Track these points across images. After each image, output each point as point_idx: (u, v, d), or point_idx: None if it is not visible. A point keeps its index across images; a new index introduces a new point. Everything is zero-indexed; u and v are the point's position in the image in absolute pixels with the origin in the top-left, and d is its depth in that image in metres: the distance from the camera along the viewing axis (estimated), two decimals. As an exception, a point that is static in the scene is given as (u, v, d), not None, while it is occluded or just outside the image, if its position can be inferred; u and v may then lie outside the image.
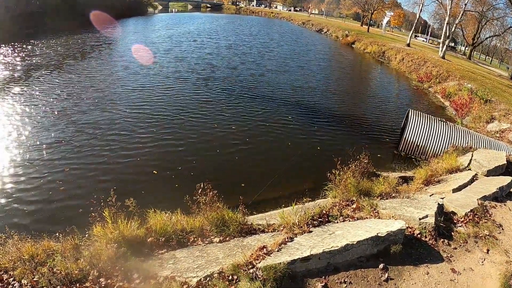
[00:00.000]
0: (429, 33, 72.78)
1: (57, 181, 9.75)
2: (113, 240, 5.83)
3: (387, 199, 8.19)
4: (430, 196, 8.86)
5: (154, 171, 10.68)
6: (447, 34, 37.75)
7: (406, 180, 11.04)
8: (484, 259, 6.33)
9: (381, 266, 5.60)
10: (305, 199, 8.09)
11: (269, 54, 33.13)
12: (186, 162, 11.32)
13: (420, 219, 6.64)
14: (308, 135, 14.52)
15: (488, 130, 16.64)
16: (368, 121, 17.48)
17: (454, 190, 9.14)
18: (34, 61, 21.75)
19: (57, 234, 6.34)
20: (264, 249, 5.49)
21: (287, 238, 5.85)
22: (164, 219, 6.69)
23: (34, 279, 5.13)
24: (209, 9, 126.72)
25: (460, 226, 7.23)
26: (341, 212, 7.03)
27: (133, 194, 8.65)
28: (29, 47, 25.35)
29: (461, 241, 6.67)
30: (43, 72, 19.35)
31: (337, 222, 6.64)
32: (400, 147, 13.72)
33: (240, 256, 5.34)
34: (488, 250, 6.52)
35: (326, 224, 6.53)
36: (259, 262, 5.17)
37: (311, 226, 6.41)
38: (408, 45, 42.69)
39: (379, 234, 5.67)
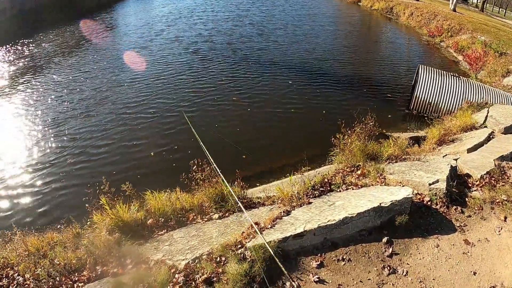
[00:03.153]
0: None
1: (58, 171, 9.47)
2: (112, 225, 5.73)
3: (396, 162, 7.57)
4: (443, 157, 8.25)
5: (151, 153, 10.19)
6: (459, -15, 35.85)
7: (418, 140, 10.42)
8: (501, 228, 5.73)
9: (384, 239, 5.06)
10: (305, 168, 7.58)
11: (268, 18, 31.64)
12: (184, 140, 10.74)
13: (430, 184, 6.02)
14: (312, 99, 13.77)
15: (505, 84, 15.62)
16: (377, 81, 16.57)
17: (469, 150, 8.48)
18: (48, 50, 21.03)
19: (59, 225, 6.47)
20: (256, 226, 4.94)
21: (284, 212, 5.34)
22: (163, 199, 6.43)
23: (36, 272, 5.04)
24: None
25: (475, 191, 6.60)
26: (344, 179, 6.43)
27: (133, 178, 8.65)
28: (29, 43, 24.50)
29: (476, 208, 6.06)
30: (43, 65, 18.49)
31: (340, 191, 6.09)
32: (411, 105, 12.94)
33: (232, 235, 4.84)
34: (505, 218, 5.91)
35: (328, 194, 5.99)
36: (249, 241, 4.65)
37: (311, 196, 5.90)
38: (417, -1, 40.65)
39: (382, 204, 5.10)
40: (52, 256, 5.33)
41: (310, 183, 6.16)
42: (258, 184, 8.56)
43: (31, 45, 21.63)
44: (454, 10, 33.71)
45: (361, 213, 4.91)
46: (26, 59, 18.37)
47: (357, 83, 15.94)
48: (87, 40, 23.80)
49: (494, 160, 7.61)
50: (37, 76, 16.07)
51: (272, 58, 18.89)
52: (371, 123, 8.14)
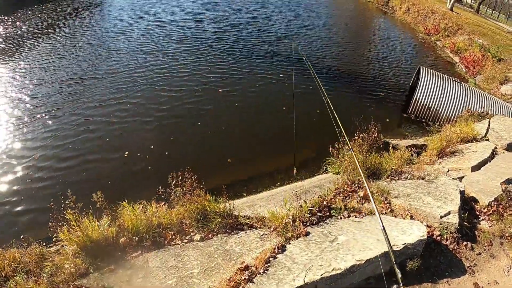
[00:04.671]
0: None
1: (25, 176, 8.25)
2: (81, 245, 4.96)
3: (398, 179, 6.91)
4: (446, 173, 7.66)
5: (125, 153, 9.05)
6: (457, -17, 35.18)
7: (417, 148, 9.80)
8: (510, 268, 5.20)
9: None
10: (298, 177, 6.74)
11: (260, 6, 30.53)
12: (162, 140, 9.72)
13: (441, 217, 5.36)
14: (305, 97, 12.90)
15: (503, 93, 15.14)
16: (372, 79, 15.78)
17: (474, 168, 7.91)
18: (23, 30, 19.46)
19: (22, 241, 5.57)
20: (247, 271, 4.19)
21: (278, 247, 4.58)
22: (138, 213, 5.57)
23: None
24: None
25: (483, 220, 6.05)
26: (345, 203, 5.71)
27: (104, 184, 7.84)
28: (16, 17, 22.91)
29: (486, 244, 5.50)
30: (32, 42, 17.20)
31: (341, 218, 5.36)
32: (410, 109, 12.29)
33: (217, 275, 4.06)
34: (514, 255, 5.35)
35: (327, 221, 5.25)
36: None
37: (308, 224, 5.15)
38: (414, -6, 39.91)
39: (394, 248, 4.37)
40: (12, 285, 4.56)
41: (308, 206, 5.43)
42: (245, 194, 7.78)
43: (7, 23, 20.22)
44: (451, 9, 33.14)
45: (370, 260, 4.20)
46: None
47: (352, 81, 15.15)
48: (65, 19, 22.40)
49: (500, 183, 7.07)
50: (3, 61, 14.64)
51: (263, 50, 17.89)
52: (375, 134, 7.45)
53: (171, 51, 16.09)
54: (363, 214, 5.44)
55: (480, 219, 6.07)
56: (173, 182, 5.82)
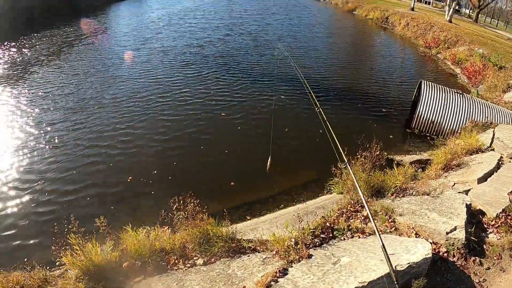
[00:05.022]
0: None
1: (29, 201, 8.32)
2: (82, 270, 4.96)
3: (403, 196, 6.86)
4: (452, 186, 7.57)
5: (128, 179, 9.09)
6: (454, -4, 35.57)
7: (422, 163, 9.73)
8: (520, 280, 5.05)
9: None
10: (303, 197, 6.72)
11: (261, 26, 31.32)
12: (165, 164, 9.77)
13: (447, 233, 5.28)
14: (307, 117, 12.93)
15: (506, 101, 15.05)
16: (374, 95, 15.85)
17: (480, 180, 7.79)
18: (28, 56, 20.11)
19: (26, 264, 5.64)
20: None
21: (279, 271, 4.54)
22: (141, 237, 5.55)
23: None
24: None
25: (491, 233, 5.92)
26: (348, 224, 5.66)
27: (108, 209, 7.85)
28: (33, 39, 23.72)
29: (495, 257, 5.38)
30: (37, 68, 17.70)
31: (344, 239, 5.30)
32: (413, 124, 12.25)
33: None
34: (524, 267, 5.22)
35: (330, 243, 5.20)
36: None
37: (311, 246, 5.11)
38: (412, 9, 40.36)
39: (398, 267, 4.31)
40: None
41: (310, 228, 5.40)
42: (248, 218, 7.72)
43: (12, 49, 20.75)
44: (450, 21, 33.43)
45: (373, 281, 4.13)
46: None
47: (354, 98, 15.20)
48: (70, 46, 22.98)
49: (508, 194, 6.97)
50: (7, 88, 15.01)
51: (264, 72, 18.14)
52: (377, 152, 7.43)
53: (173, 77, 16.36)
54: (367, 234, 5.37)
55: (488, 232, 5.96)
56: (175, 206, 5.85)
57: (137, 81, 15.86)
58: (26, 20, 30.90)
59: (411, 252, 4.58)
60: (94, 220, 5.45)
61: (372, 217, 4.29)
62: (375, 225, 3.97)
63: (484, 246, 5.54)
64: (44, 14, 33.68)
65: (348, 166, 5.03)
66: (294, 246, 5.03)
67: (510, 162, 9.04)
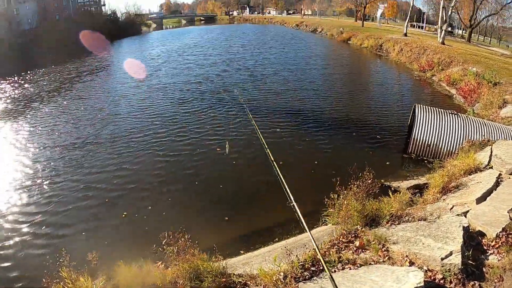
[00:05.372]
0: (425, 20, 71.00)
1: (26, 237, 8.55)
2: None
3: (399, 223, 6.71)
4: (450, 209, 7.41)
5: (123, 214, 9.26)
6: (444, 18, 36.13)
7: (420, 189, 9.60)
8: (526, 300, 4.81)
9: None
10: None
11: (258, 61, 32.09)
12: (160, 200, 9.94)
13: (442, 259, 5.11)
14: (302, 149, 13.00)
15: (503, 116, 14.99)
16: (371, 123, 15.88)
17: (478, 200, 7.61)
18: (30, 92, 20.86)
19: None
20: None
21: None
22: (134, 271, 5.61)
23: None
24: (203, 21, 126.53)
25: (492, 254, 5.69)
26: (340, 255, 5.52)
27: (101, 244, 7.89)
28: (24, 79, 24.50)
29: (496, 280, 5.11)
30: (37, 104, 18.39)
31: (335, 271, 5.17)
32: (410, 148, 12.18)
33: None
34: (529, 286, 4.98)
35: (320, 275, 5.08)
36: None
37: (300, 279, 5.01)
38: (405, 34, 40.99)
39: (387, 300, 4.16)
40: None
41: (300, 262, 5.29)
42: (242, 252, 7.68)
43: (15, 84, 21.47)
44: (442, 43, 33.85)
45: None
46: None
47: (350, 128, 15.19)
48: (71, 82, 23.84)
49: (508, 212, 6.76)
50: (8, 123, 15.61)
51: (260, 105, 18.38)
52: (369, 180, 7.35)
53: (170, 115, 16.73)
54: (358, 265, 5.24)
55: (488, 254, 5.75)
56: (164, 241, 5.88)
57: (134, 119, 16.29)
58: (30, 55, 32.06)
59: (402, 282, 4.43)
60: (87, 255, 5.64)
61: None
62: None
63: (484, 269, 5.32)
64: (50, 50, 35.00)
65: (295, 206, 5.02)
66: (282, 280, 4.93)
67: (509, 178, 8.85)
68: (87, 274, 5.39)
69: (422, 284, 4.43)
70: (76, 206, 9.68)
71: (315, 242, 4.91)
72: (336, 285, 3.95)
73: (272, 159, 6.63)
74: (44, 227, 8.81)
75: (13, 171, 11.56)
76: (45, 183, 10.82)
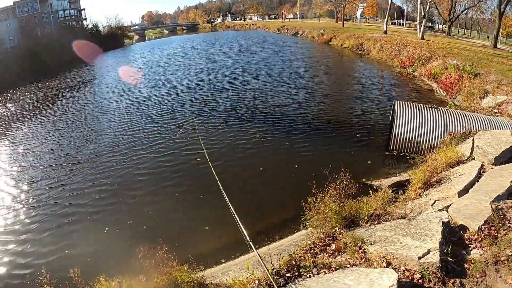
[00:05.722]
0: (405, 17, 71.79)
1: (8, 260, 8.49)
2: None
3: (378, 223, 6.48)
4: (432, 205, 7.21)
5: (105, 230, 9.16)
6: (422, 14, 36.44)
7: (402, 185, 9.42)
8: (511, 294, 4.58)
9: None
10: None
11: (239, 67, 31.94)
12: (140, 214, 9.81)
13: (419, 258, 4.87)
14: (282, 153, 12.79)
15: (484, 107, 15.00)
16: (353, 122, 15.70)
17: (461, 193, 7.44)
18: (11, 111, 20.58)
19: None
20: None
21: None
22: (113, 286, 5.77)
23: None
24: (185, 30, 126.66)
25: (474, 249, 5.47)
26: (315, 260, 5.28)
27: (85, 259, 8.05)
28: (6, 98, 24.24)
29: (478, 275, 4.89)
30: (19, 124, 18.29)
31: (310, 276, 4.95)
32: (391, 145, 12.01)
33: None
34: (513, 279, 4.75)
35: (296, 281, 4.89)
36: None
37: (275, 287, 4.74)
38: (385, 32, 41.25)
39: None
40: None
41: (274, 268, 5.07)
42: (223, 260, 7.61)
43: None
44: (422, 38, 34.09)
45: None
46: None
47: (331, 129, 15.01)
48: (52, 100, 23.73)
49: (490, 203, 6.56)
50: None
51: (240, 112, 18.19)
52: (345, 181, 7.13)
53: (150, 129, 16.41)
54: (333, 269, 5.01)
55: (470, 249, 5.52)
56: (139, 255, 5.85)
57: (115, 135, 15.97)
58: (12, 73, 31.80)
59: (375, 285, 4.21)
60: (68, 271, 5.73)
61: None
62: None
63: (466, 265, 5.08)
64: (32, 66, 34.82)
65: (252, 245, 4.82)
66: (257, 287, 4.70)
67: (492, 168, 8.71)
68: None
69: (396, 286, 4.19)
70: (57, 224, 9.61)
71: (264, 263, 4.65)
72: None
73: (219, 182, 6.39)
74: (27, 245, 8.82)
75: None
76: (27, 203, 10.78)
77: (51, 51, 45.05)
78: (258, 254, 4.63)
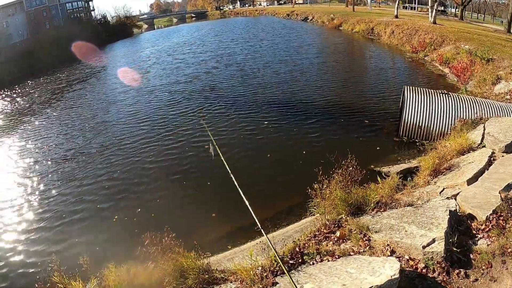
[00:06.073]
0: (417, 1, 70.26)
1: (21, 247, 8.74)
2: None
3: (384, 211, 6.42)
4: (440, 192, 7.12)
5: (114, 218, 9.36)
6: (435, -3, 35.58)
7: (410, 172, 9.31)
8: (516, 289, 4.51)
9: None
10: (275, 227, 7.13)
11: (249, 54, 31.56)
12: (148, 202, 9.95)
13: (424, 247, 4.81)
14: (291, 139, 12.72)
15: (497, 93, 14.64)
16: (363, 108, 15.49)
17: (470, 181, 7.32)
18: (21, 105, 20.82)
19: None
20: None
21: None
22: (122, 274, 5.77)
23: None
24: (194, 18, 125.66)
25: (481, 239, 5.39)
26: (318, 247, 5.27)
27: (93, 246, 8.26)
28: (27, 87, 24.42)
29: (484, 266, 4.82)
30: (28, 118, 18.51)
31: (313, 263, 4.97)
32: (400, 131, 11.85)
33: None
34: (520, 272, 4.66)
35: (299, 268, 4.93)
36: None
37: (278, 273, 4.83)
38: (396, 16, 40.40)
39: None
40: None
41: (275, 255, 5.08)
42: (229, 247, 7.71)
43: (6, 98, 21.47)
44: (434, 22, 33.29)
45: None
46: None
47: (340, 115, 14.83)
48: (61, 92, 23.90)
49: (499, 192, 6.45)
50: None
51: (249, 100, 18.11)
52: (351, 168, 7.04)
53: (158, 118, 16.44)
54: (336, 256, 5.00)
55: (477, 239, 5.44)
56: (146, 242, 5.93)
57: (123, 126, 16.00)
58: (22, 67, 32.08)
59: (377, 274, 4.17)
60: (78, 259, 5.83)
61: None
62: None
63: (471, 256, 5.02)
64: (42, 60, 35.07)
65: (263, 231, 4.77)
66: (260, 274, 4.80)
67: (503, 156, 8.53)
68: (79, 277, 5.59)
69: (397, 276, 4.15)
70: (68, 214, 9.84)
71: (273, 246, 4.67)
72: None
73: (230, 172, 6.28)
74: (38, 234, 9.07)
75: (7, 188, 11.66)
76: (39, 194, 11.02)
77: (58, 45, 45.22)
78: (268, 239, 4.58)
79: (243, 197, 6.23)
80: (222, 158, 6.58)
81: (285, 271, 4.03)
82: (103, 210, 9.81)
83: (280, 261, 4.45)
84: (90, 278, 5.82)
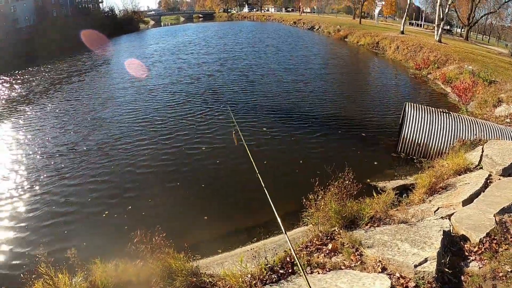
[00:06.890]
0: (423, 18, 70.70)
1: (12, 238, 8.67)
2: None
3: (378, 226, 6.39)
4: (435, 211, 7.10)
5: (104, 214, 9.31)
6: (441, 16, 35.68)
7: (406, 189, 9.30)
8: (505, 314, 4.48)
9: None
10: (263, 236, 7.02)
11: (253, 60, 31.48)
12: (140, 200, 9.91)
13: (416, 266, 4.78)
14: (288, 148, 12.73)
15: (497, 116, 14.69)
16: (363, 121, 15.54)
17: (465, 202, 7.31)
18: (18, 93, 20.65)
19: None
20: None
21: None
22: (109, 270, 5.78)
23: None
24: (201, 18, 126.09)
25: (473, 261, 5.36)
26: (310, 259, 5.24)
27: (81, 239, 8.24)
28: (27, 74, 24.31)
29: (474, 290, 4.80)
30: (23, 107, 18.34)
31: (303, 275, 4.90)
32: (399, 147, 11.86)
33: None
34: (510, 297, 4.64)
35: (288, 278, 4.90)
36: None
37: (267, 282, 4.85)
38: (402, 32, 40.63)
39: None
40: None
41: (269, 263, 5.05)
42: (220, 251, 7.65)
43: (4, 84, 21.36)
44: (439, 41, 33.50)
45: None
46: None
47: (340, 127, 14.86)
48: (60, 83, 23.73)
49: (494, 215, 6.43)
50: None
51: (249, 106, 18.06)
52: (348, 181, 7.02)
53: (156, 120, 16.22)
54: (327, 269, 4.96)
55: (469, 261, 5.42)
56: (135, 240, 5.85)
57: (121, 124, 15.84)
58: (26, 53, 32.00)
59: (367, 291, 4.12)
60: (66, 251, 5.72)
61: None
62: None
63: (463, 277, 4.99)
64: (46, 47, 35.00)
65: (286, 235, 4.70)
66: (249, 282, 4.75)
67: (499, 179, 8.54)
68: (66, 270, 5.53)
69: (388, 295, 4.11)
70: (57, 207, 9.77)
71: (291, 243, 4.60)
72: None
73: (254, 163, 6.27)
74: (26, 225, 9.03)
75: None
76: (30, 188, 10.88)
77: (64, 34, 45.28)
78: (287, 236, 4.53)
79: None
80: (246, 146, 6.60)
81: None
82: (93, 205, 9.75)
83: (296, 259, 4.33)
84: (77, 271, 5.73)
